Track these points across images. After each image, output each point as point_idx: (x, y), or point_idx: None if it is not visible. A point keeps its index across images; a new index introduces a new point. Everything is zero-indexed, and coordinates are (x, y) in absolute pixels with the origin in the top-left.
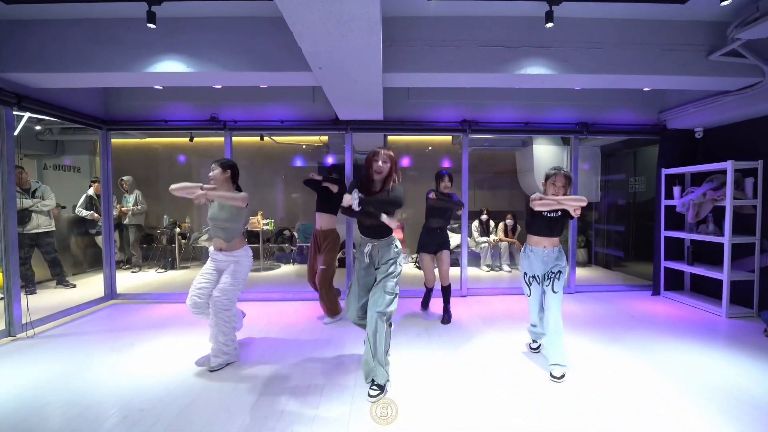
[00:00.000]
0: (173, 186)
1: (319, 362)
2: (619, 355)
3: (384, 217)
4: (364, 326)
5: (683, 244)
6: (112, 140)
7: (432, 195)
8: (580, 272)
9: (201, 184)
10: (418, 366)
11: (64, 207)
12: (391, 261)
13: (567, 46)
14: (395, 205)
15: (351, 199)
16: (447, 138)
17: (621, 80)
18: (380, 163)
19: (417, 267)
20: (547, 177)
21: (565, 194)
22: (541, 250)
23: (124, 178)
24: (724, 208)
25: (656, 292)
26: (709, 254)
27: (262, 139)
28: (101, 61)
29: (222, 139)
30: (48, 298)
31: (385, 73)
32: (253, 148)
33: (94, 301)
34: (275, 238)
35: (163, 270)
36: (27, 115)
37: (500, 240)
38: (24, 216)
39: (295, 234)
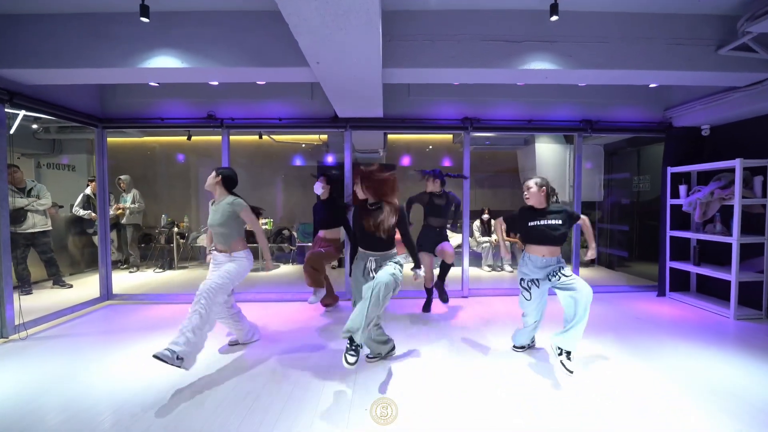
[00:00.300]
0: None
1: (319, 363)
2: (625, 357)
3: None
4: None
5: (689, 244)
6: (110, 139)
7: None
8: (583, 272)
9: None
10: (419, 366)
11: (61, 206)
12: (393, 264)
13: (572, 41)
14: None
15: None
16: (448, 137)
17: (627, 76)
18: (363, 189)
19: None
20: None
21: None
22: (540, 258)
23: (122, 177)
24: (731, 207)
25: (661, 293)
26: (716, 254)
27: (260, 137)
28: (94, 56)
29: (220, 137)
30: (43, 299)
31: (384, 68)
32: (252, 147)
33: (89, 302)
34: (274, 238)
35: (161, 270)
36: (22, 113)
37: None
38: (19, 215)
39: (294, 234)
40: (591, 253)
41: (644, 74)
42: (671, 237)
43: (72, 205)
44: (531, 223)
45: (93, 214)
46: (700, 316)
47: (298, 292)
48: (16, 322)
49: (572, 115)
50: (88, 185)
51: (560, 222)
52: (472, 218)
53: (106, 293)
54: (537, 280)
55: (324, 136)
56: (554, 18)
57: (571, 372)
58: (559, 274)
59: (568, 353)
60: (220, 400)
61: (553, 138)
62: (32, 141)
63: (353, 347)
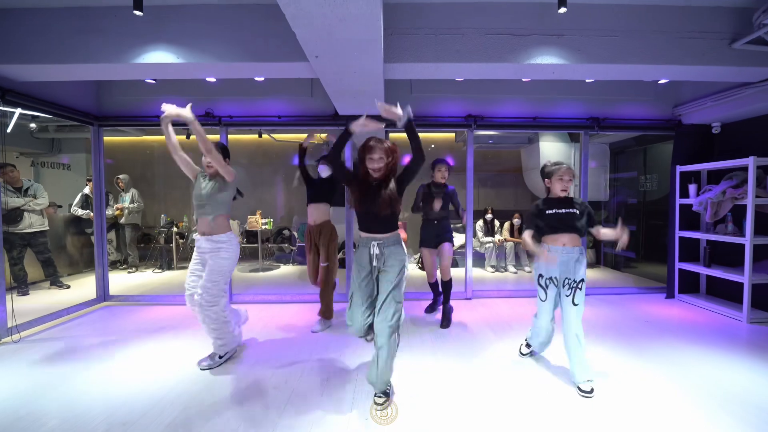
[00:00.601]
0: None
1: (318, 366)
2: (635, 362)
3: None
4: (368, 340)
5: (698, 245)
6: (109, 138)
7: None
8: (589, 273)
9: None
10: (421, 372)
11: (60, 206)
12: (399, 265)
13: (580, 34)
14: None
15: (394, 110)
16: (450, 135)
17: (637, 71)
18: (376, 159)
19: (420, 267)
20: (551, 173)
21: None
22: (561, 248)
23: (120, 176)
24: (744, 207)
25: (670, 295)
26: (726, 255)
27: (260, 136)
28: (87, 51)
29: (218, 136)
30: (40, 300)
31: (386, 63)
32: (252, 145)
33: (85, 303)
34: (274, 238)
35: (160, 270)
36: (18, 111)
37: (505, 240)
38: (16, 215)
39: (295, 233)
40: (622, 241)
41: (655, 69)
42: (680, 237)
43: (71, 205)
44: (549, 211)
45: (92, 214)
46: (711, 319)
47: (297, 293)
48: (9, 324)
49: (578, 112)
50: (86, 184)
51: (579, 213)
52: (475, 218)
53: (103, 294)
54: (555, 278)
55: (324, 135)
56: (562, 10)
57: (590, 394)
58: (572, 292)
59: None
60: (216, 407)
61: (557, 136)
62: (31, 140)
63: (381, 392)
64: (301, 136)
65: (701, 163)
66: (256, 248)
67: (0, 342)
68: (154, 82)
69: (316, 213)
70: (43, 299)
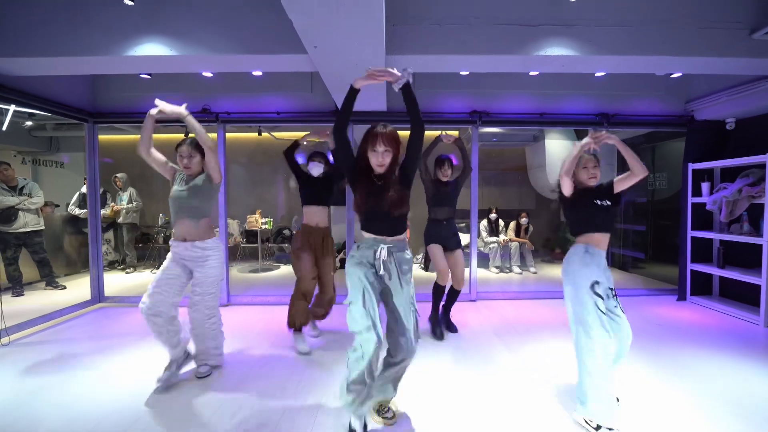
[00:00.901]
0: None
1: (318, 370)
2: (647, 369)
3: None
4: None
5: (710, 245)
6: (108, 137)
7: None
8: None
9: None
10: (423, 380)
11: (57, 205)
12: (410, 272)
13: (593, 24)
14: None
15: (390, 70)
16: (453, 133)
17: (650, 63)
18: (381, 153)
19: (422, 268)
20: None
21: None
22: (602, 253)
23: (118, 175)
24: (761, 205)
25: (682, 297)
26: (741, 256)
27: (260, 134)
28: (77, 44)
29: (216, 134)
30: (34, 300)
31: (388, 55)
32: (252, 144)
33: (79, 305)
34: (274, 238)
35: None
36: (12, 108)
37: (510, 240)
38: (10, 214)
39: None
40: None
41: (670, 61)
42: (692, 237)
43: (68, 204)
44: (598, 202)
45: None
46: (727, 323)
47: None
48: None
49: (587, 108)
50: (84, 183)
51: (609, 203)
52: (479, 218)
53: (98, 295)
54: (601, 284)
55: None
56: None
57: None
58: (616, 303)
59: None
60: (208, 416)
61: (563, 134)
62: (28, 138)
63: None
64: (301, 134)
65: (715, 161)
66: (255, 248)
67: None
68: (149, 77)
69: (318, 215)
70: (38, 300)
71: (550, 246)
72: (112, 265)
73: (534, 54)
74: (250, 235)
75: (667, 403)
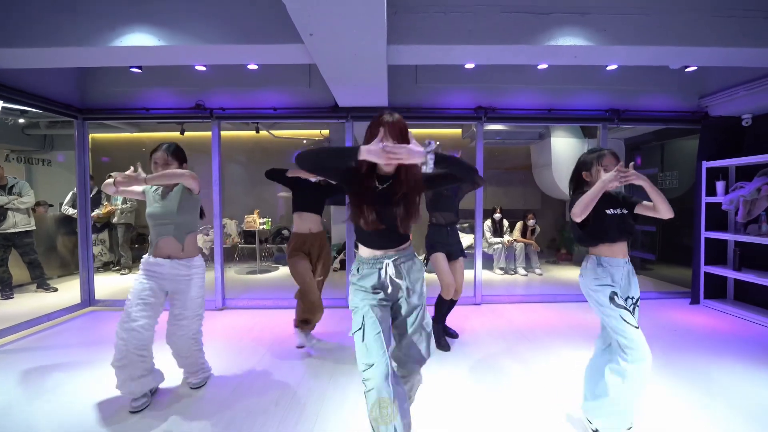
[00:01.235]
0: (108, 181)
1: (317, 375)
2: (661, 376)
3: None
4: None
5: (725, 247)
6: (102, 135)
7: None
8: None
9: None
10: (428, 393)
11: (51, 205)
12: (421, 283)
13: (608, 12)
14: (471, 170)
15: (419, 152)
16: (457, 131)
17: (667, 54)
18: (388, 149)
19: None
20: (590, 163)
21: None
22: (621, 261)
23: (113, 174)
24: None
25: (695, 301)
26: (759, 258)
27: (257, 132)
28: (58, 33)
29: (210, 131)
30: (24, 304)
31: (390, 45)
32: (250, 142)
33: (68, 309)
34: (273, 238)
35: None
36: (0, 104)
37: (515, 241)
38: None
39: None
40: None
41: (687, 51)
42: (706, 239)
43: (61, 204)
44: (610, 211)
45: None
46: (743, 328)
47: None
48: None
49: (597, 103)
50: None
51: (625, 212)
52: (483, 218)
53: (88, 299)
54: (617, 294)
55: (326, 131)
56: None
57: None
58: (635, 308)
59: None
60: (204, 419)
61: (570, 132)
62: (21, 137)
63: None
64: (300, 132)
65: (730, 158)
66: (253, 249)
67: None
68: (139, 71)
69: (312, 222)
70: (28, 303)
71: (556, 247)
72: (106, 266)
73: (545, 44)
74: (248, 236)
75: (680, 411)
